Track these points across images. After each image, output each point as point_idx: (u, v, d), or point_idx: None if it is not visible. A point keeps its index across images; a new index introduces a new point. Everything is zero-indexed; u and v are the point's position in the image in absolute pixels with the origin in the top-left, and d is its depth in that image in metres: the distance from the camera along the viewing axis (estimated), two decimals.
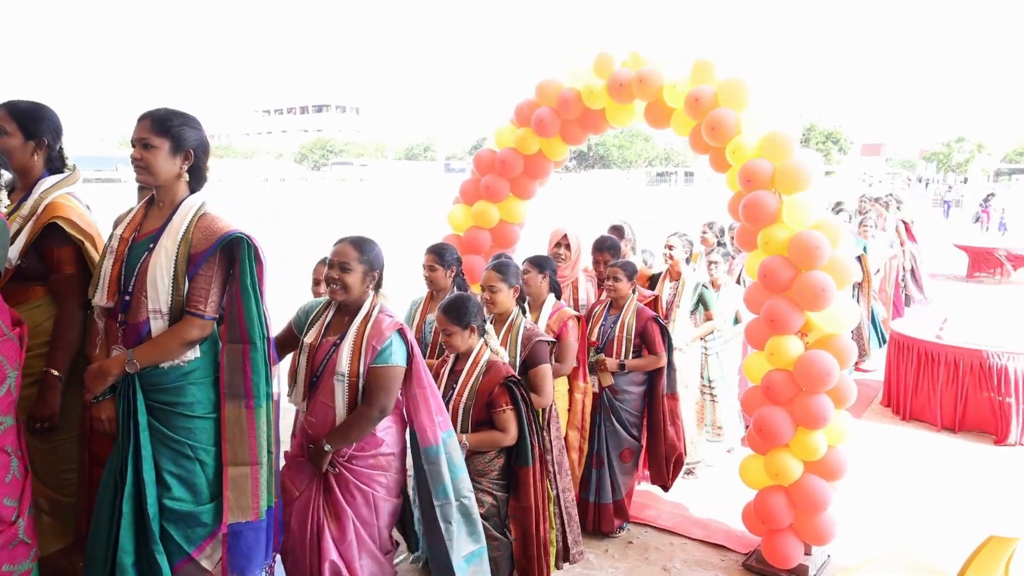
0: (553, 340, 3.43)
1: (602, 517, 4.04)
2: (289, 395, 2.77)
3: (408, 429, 2.86)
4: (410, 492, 3.04)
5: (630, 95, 3.90)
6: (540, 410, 3.34)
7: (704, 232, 6.17)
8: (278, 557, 2.64)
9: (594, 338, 4.10)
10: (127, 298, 2.39)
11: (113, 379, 2.36)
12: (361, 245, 2.72)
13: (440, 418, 2.78)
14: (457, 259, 3.75)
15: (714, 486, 4.75)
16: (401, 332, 2.70)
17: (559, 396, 3.85)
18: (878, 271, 7.82)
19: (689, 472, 4.84)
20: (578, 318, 3.81)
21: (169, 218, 2.41)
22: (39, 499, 2.58)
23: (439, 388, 3.05)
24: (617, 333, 4.03)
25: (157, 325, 2.36)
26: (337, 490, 2.68)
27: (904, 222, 9.01)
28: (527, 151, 4.49)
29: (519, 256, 4.44)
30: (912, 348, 6.15)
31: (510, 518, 3.10)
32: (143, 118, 2.39)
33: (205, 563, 2.41)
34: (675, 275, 4.95)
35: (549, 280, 3.81)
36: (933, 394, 5.95)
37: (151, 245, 2.38)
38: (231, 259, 2.43)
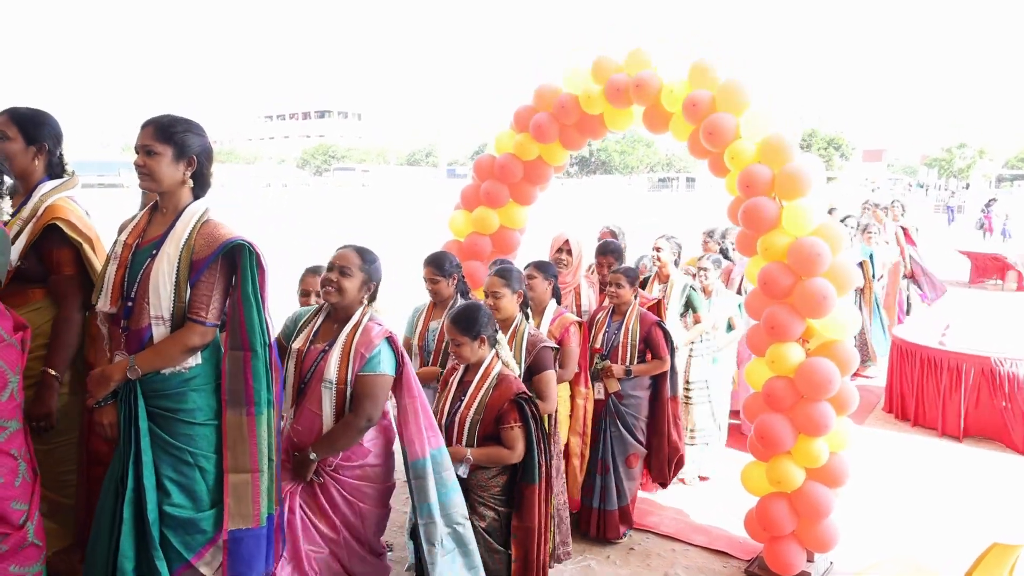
0: (557, 347, 3.41)
1: (607, 524, 4.03)
2: None
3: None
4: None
5: (628, 100, 3.89)
6: (544, 416, 3.34)
7: (706, 241, 6.16)
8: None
9: (598, 345, 4.09)
10: (130, 304, 2.39)
11: (115, 384, 2.36)
12: (364, 254, 2.75)
13: (430, 433, 2.72)
14: (456, 266, 3.72)
15: (716, 493, 4.73)
16: (390, 340, 2.69)
17: (561, 402, 3.85)
18: (880, 277, 7.82)
19: (680, 480, 4.82)
20: (579, 324, 3.81)
21: (172, 224, 2.41)
22: (41, 501, 2.58)
23: (447, 397, 3.02)
24: (622, 339, 4.03)
25: (159, 331, 2.36)
26: (322, 498, 2.67)
27: (903, 228, 8.99)
28: (526, 157, 4.49)
29: (519, 262, 4.46)
30: (914, 354, 6.14)
31: (512, 537, 3.02)
32: (146, 125, 2.40)
33: (204, 570, 2.40)
34: (663, 278, 4.96)
35: (552, 286, 3.81)
36: (936, 400, 5.94)
37: (154, 251, 2.39)
38: (233, 266, 2.43)
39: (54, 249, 2.66)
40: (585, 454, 3.99)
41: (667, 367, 4.07)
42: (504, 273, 3.39)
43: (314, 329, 2.76)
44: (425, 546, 2.70)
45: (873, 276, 7.46)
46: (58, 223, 2.64)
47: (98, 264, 2.69)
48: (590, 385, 3.97)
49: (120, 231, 2.53)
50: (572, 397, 3.91)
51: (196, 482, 2.40)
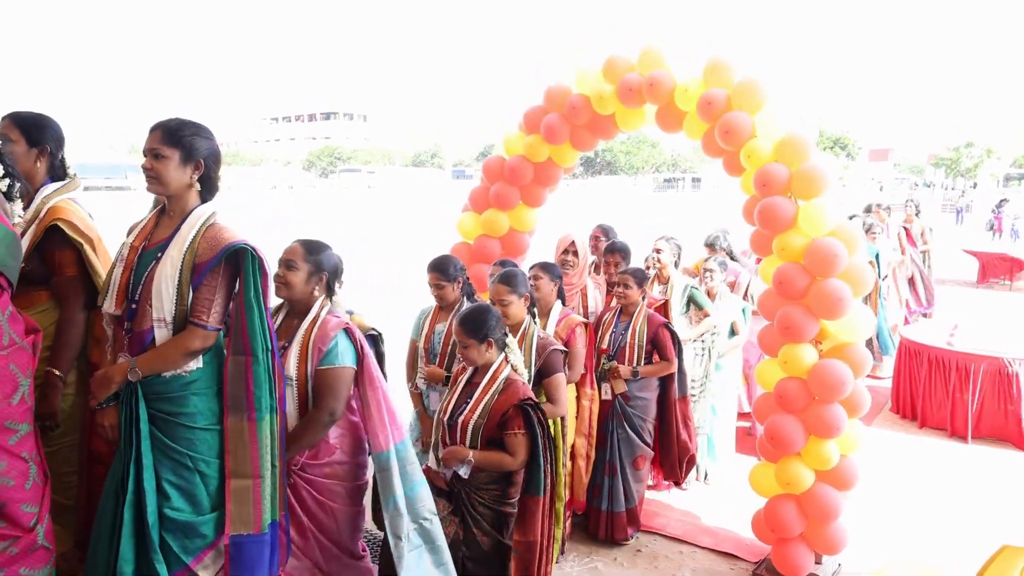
0: (565, 350, 3.39)
1: (615, 526, 4.02)
2: None
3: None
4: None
5: (640, 99, 3.86)
6: (556, 420, 3.31)
7: (710, 252, 6.11)
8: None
9: (605, 345, 4.08)
10: (134, 306, 2.39)
11: (116, 386, 2.36)
12: (309, 245, 2.74)
13: (393, 426, 2.68)
14: (461, 269, 3.69)
15: (724, 494, 4.71)
16: (348, 332, 2.67)
17: (568, 404, 3.84)
18: (885, 277, 7.78)
19: (696, 479, 4.81)
20: (585, 324, 3.80)
21: (178, 228, 2.41)
22: None
23: (453, 396, 3.00)
24: (629, 340, 4.02)
25: (161, 334, 2.36)
26: (292, 499, 2.65)
27: (906, 229, 8.92)
28: (536, 158, 4.45)
29: (527, 264, 4.44)
30: (922, 355, 6.10)
31: (513, 552, 2.97)
32: (155, 128, 2.40)
33: (203, 574, 2.40)
34: (663, 279, 4.93)
35: (557, 287, 3.80)
36: (944, 401, 5.90)
37: (159, 254, 2.39)
38: (237, 270, 2.43)
39: (56, 250, 2.68)
40: (591, 455, 3.97)
41: (674, 368, 4.05)
42: (508, 279, 3.35)
43: (275, 326, 2.71)
44: (392, 540, 2.67)
45: (879, 276, 7.42)
46: (60, 224, 2.66)
47: (99, 265, 2.71)
48: (596, 386, 3.96)
49: (128, 233, 2.54)
50: (578, 398, 3.89)
51: (196, 486, 2.40)
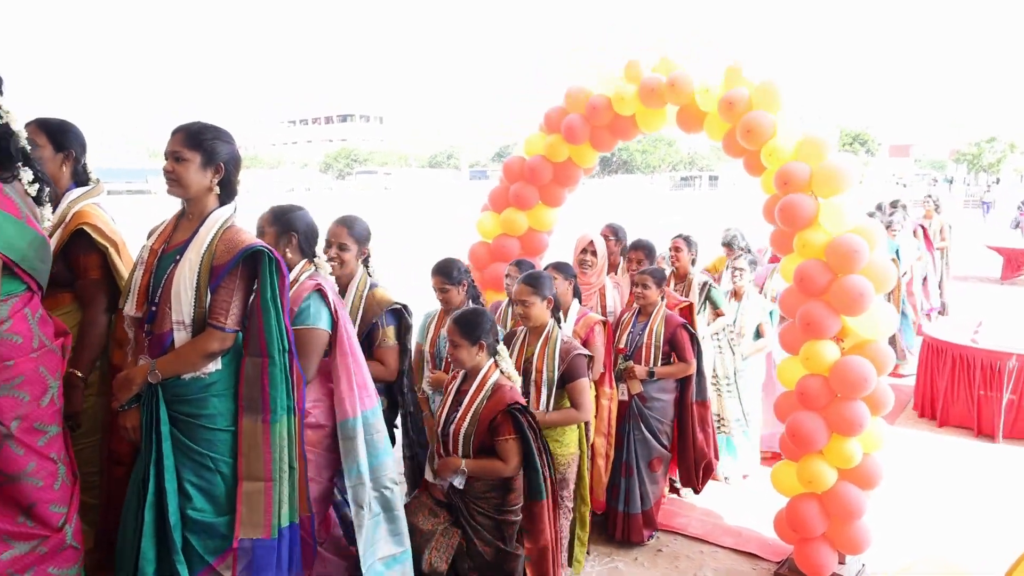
0: (590, 354, 3.34)
1: (631, 527, 3.99)
2: None
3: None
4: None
5: (662, 100, 3.88)
6: (581, 425, 3.28)
7: (728, 253, 6.05)
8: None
9: (622, 345, 4.05)
10: (153, 309, 2.41)
11: (137, 388, 2.38)
12: (276, 209, 2.84)
13: (363, 392, 2.65)
14: (465, 271, 3.68)
15: (745, 494, 4.68)
16: (320, 293, 2.66)
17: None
18: (905, 273, 7.68)
19: (713, 477, 4.76)
20: (603, 323, 3.78)
21: (196, 230, 2.43)
22: None
23: (445, 405, 2.98)
24: (646, 340, 3.99)
25: (180, 336, 2.37)
26: None
27: (923, 227, 8.78)
28: (556, 158, 4.49)
29: (542, 263, 4.43)
30: (946, 352, 6.01)
31: (526, 559, 2.93)
32: (176, 131, 2.42)
33: (226, 573, 2.41)
34: (681, 276, 4.89)
35: (572, 286, 3.79)
36: (968, 399, 5.81)
37: (178, 257, 2.40)
38: (255, 273, 2.44)
39: (81, 254, 2.72)
40: (610, 454, 3.95)
41: (692, 370, 4.01)
42: (532, 280, 3.29)
43: None
44: (353, 508, 2.65)
45: (900, 272, 7.33)
46: (85, 228, 2.70)
47: (123, 268, 2.74)
48: (614, 385, 3.94)
49: (148, 236, 2.56)
50: (597, 397, 3.88)
51: (216, 486, 2.41)
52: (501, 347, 3.03)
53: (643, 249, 4.51)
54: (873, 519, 3.53)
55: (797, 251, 3.40)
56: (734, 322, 4.87)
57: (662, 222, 21.11)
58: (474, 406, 2.88)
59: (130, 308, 2.46)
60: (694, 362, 4.01)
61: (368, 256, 3.30)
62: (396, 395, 3.33)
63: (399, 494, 2.73)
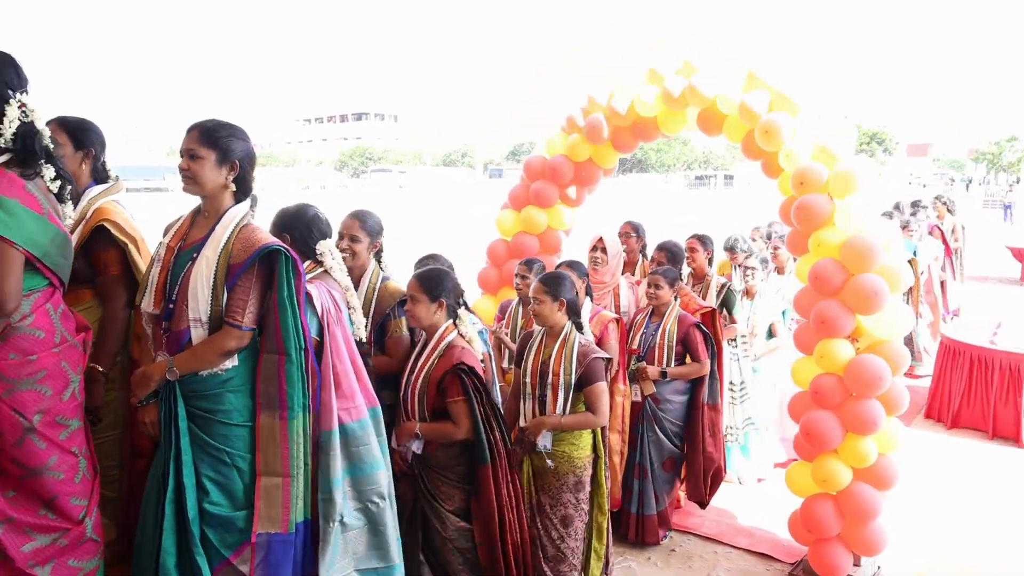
0: (609, 356, 3.28)
1: (646, 529, 3.98)
2: None
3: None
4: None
5: (683, 102, 3.92)
6: (598, 430, 3.24)
7: (753, 239, 6.03)
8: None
9: (635, 346, 4.04)
10: (171, 306, 2.43)
11: (155, 384, 2.40)
12: (279, 211, 2.83)
13: (347, 403, 2.56)
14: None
15: (759, 494, 4.66)
16: (307, 298, 2.57)
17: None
18: (922, 273, 7.61)
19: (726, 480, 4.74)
20: (617, 320, 3.78)
21: (212, 228, 2.44)
22: None
23: (407, 368, 2.93)
24: (658, 341, 3.97)
25: (197, 333, 2.39)
26: None
27: (938, 227, 8.68)
28: (577, 158, 4.54)
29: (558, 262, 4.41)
30: (964, 354, 5.95)
31: (473, 519, 2.87)
32: (191, 129, 2.44)
33: (243, 567, 2.42)
34: (699, 277, 4.87)
35: (585, 284, 3.78)
36: (986, 402, 5.75)
37: (194, 255, 2.42)
38: (271, 271, 2.45)
39: (101, 250, 2.75)
40: (624, 452, 3.94)
41: (705, 371, 3.98)
42: (548, 280, 3.20)
43: None
44: (321, 523, 2.54)
45: (918, 273, 7.25)
46: (105, 225, 2.73)
47: (142, 264, 2.77)
48: (628, 382, 3.93)
49: (165, 233, 2.59)
50: (611, 395, 3.87)
51: (234, 481, 2.43)
52: (464, 312, 2.98)
53: (666, 251, 4.46)
54: (889, 521, 3.51)
55: (812, 250, 3.40)
56: (747, 320, 4.84)
57: (677, 221, 21.03)
58: (427, 367, 2.86)
59: (147, 305, 2.49)
60: (707, 362, 3.98)
61: (381, 250, 3.30)
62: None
63: (388, 509, 2.62)
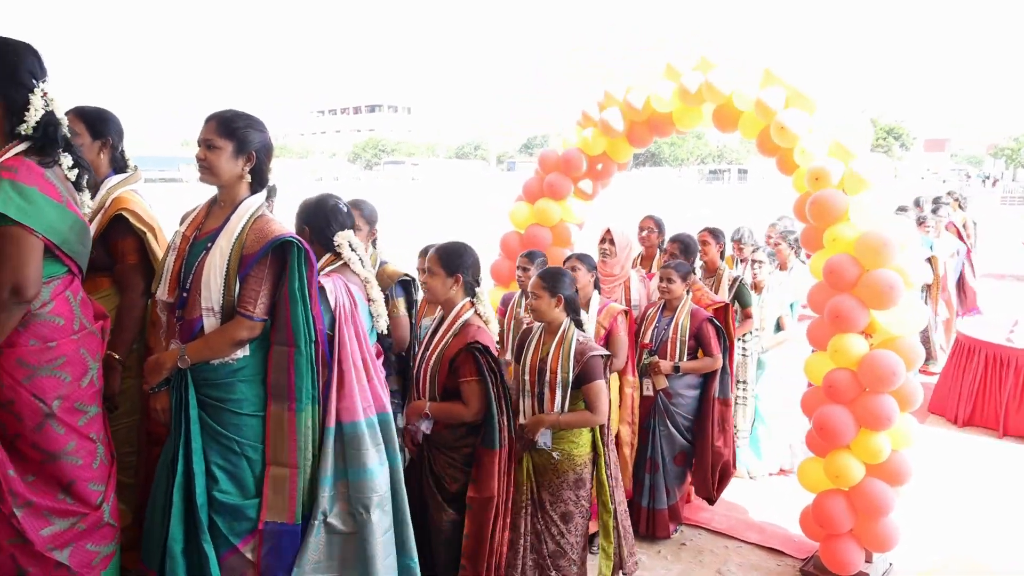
0: (608, 353, 3.20)
1: (657, 523, 3.98)
2: None
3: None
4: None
5: (700, 98, 3.91)
6: (597, 428, 3.16)
7: (769, 236, 5.99)
8: None
9: (647, 340, 4.03)
10: (184, 294, 2.44)
11: (167, 372, 2.42)
12: (302, 203, 2.81)
13: (349, 402, 2.50)
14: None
15: (770, 489, 4.65)
16: (320, 291, 2.55)
17: (612, 390, 3.81)
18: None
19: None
20: (625, 312, 3.78)
21: (228, 218, 2.45)
22: None
23: (421, 345, 2.90)
24: (671, 335, 3.96)
25: (210, 322, 2.40)
26: None
27: (952, 223, 8.57)
28: (592, 152, 4.54)
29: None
30: (978, 351, 5.90)
31: (467, 508, 2.74)
32: (209, 119, 2.44)
33: (250, 555, 2.45)
34: (711, 271, 4.85)
35: (594, 277, 3.78)
36: (998, 400, 5.70)
37: (209, 244, 2.43)
38: (284, 262, 2.45)
39: (119, 239, 2.78)
40: (635, 444, 3.94)
41: (718, 365, 3.96)
42: (547, 275, 3.15)
43: None
44: (318, 517, 2.49)
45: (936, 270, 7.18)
46: (124, 214, 2.76)
47: (160, 253, 2.80)
48: (637, 374, 3.93)
49: (181, 222, 2.60)
50: (621, 387, 3.87)
51: (243, 470, 2.44)
52: (481, 291, 2.92)
53: (679, 243, 4.44)
54: (901, 517, 3.49)
55: (827, 246, 3.39)
56: (756, 313, 4.81)
57: (690, 215, 20.95)
58: (441, 344, 2.80)
59: (162, 293, 2.51)
60: (720, 356, 3.96)
61: (376, 237, 3.38)
62: (407, 368, 3.25)
63: (374, 522, 2.50)
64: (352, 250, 2.74)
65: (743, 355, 4.71)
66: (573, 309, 3.16)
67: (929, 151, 76.51)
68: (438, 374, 2.79)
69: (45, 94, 2.27)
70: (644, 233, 4.96)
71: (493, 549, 2.78)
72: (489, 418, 2.77)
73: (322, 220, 2.74)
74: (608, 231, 4.26)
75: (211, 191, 2.56)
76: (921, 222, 7.25)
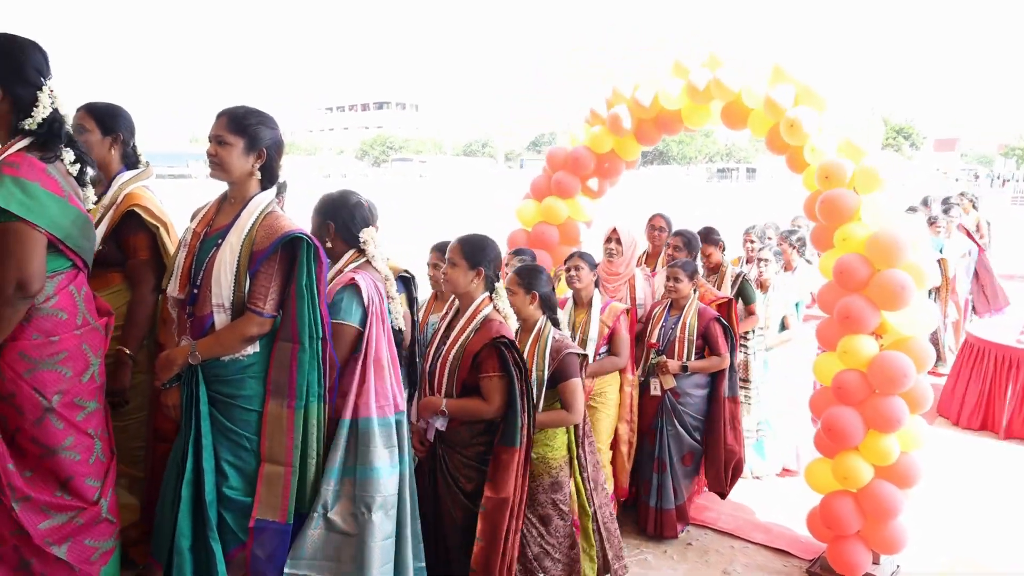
0: (584, 353, 3.14)
1: (664, 523, 3.97)
2: None
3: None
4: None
5: (708, 95, 3.89)
6: (573, 427, 3.08)
7: (780, 244, 5.95)
8: None
9: (655, 340, 4.02)
10: (195, 291, 2.44)
11: (178, 368, 2.42)
12: (321, 198, 2.76)
13: (364, 399, 2.46)
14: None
15: (777, 490, 4.63)
16: (355, 288, 2.53)
17: (612, 389, 3.82)
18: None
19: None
20: (627, 310, 3.79)
21: (238, 215, 2.45)
22: (120, 477, 2.69)
23: (435, 339, 2.86)
24: (678, 334, 3.95)
25: (220, 319, 2.40)
26: None
27: (961, 224, 8.50)
28: (600, 149, 4.53)
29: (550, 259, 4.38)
30: (988, 353, 5.85)
31: (480, 509, 2.66)
32: (221, 115, 2.44)
33: (258, 552, 2.43)
34: (713, 268, 4.84)
35: (596, 276, 3.78)
36: (1007, 402, 5.64)
37: (219, 240, 2.43)
38: (294, 259, 2.44)
39: (131, 235, 2.79)
40: (633, 441, 3.93)
41: (726, 364, 3.95)
42: (522, 271, 3.10)
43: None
44: (318, 509, 2.46)
45: (947, 271, 7.13)
46: (136, 209, 2.77)
47: (172, 249, 2.81)
48: (636, 372, 3.92)
49: (192, 218, 2.60)
50: (620, 386, 3.86)
51: (251, 466, 2.43)
52: (501, 288, 2.85)
53: (681, 237, 4.44)
54: (909, 519, 3.47)
55: (837, 245, 3.36)
56: (761, 312, 4.79)
57: (698, 214, 20.88)
58: (461, 339, 2.73)
59: (173, 289, 2.51)
60: (728, 356, 3.95)
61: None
62: (409, 366, 3.20)
63: (375, 524, 2.45)
64: (375, 248, 2.72)
65: (745, 354, 4.70)
66: (549, 307, 3.11)
67: (939, 151, 76.04)
68: (458, 369, 2.72)
69: (52, 91, 2.27)
70: (655, 232, 4.96)
71: (505, 555, 2.70)
72: (511, 415, 2.70)
73: (347, 215, 2.69)
74: (614, 230, 4.26)
75: (221, 187, 2.56)
76: (932, 222, 7.20)
